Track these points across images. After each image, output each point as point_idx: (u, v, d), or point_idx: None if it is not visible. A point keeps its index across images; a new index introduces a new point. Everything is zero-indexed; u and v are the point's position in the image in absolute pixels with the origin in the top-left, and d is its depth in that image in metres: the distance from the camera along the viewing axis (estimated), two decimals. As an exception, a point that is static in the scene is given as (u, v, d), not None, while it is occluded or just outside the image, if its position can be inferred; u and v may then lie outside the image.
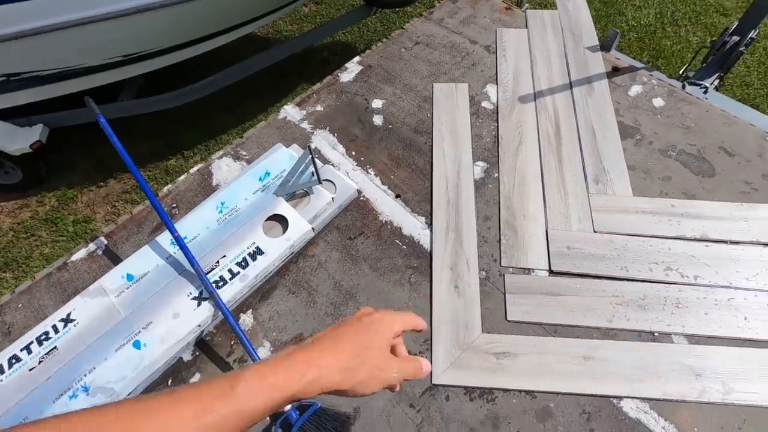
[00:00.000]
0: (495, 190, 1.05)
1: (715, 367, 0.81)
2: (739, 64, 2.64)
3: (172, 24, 1.78)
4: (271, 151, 1.07)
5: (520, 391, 0.81)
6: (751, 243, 0.94)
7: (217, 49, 2.09)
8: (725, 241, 0.95)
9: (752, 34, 1.27)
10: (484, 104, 1.20)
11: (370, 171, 1.10)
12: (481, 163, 1.09)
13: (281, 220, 0.95)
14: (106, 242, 1.00)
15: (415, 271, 0.95)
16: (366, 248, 0.98)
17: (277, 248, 0.89)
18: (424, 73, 1.28)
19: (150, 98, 2.12)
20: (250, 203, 0.95)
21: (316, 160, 1.06)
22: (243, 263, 0.87)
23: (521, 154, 1.10)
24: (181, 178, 1.10)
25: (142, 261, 0.88)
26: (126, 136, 2.41)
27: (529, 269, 0.94)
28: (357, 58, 1.32)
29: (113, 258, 0.97)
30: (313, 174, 1.00)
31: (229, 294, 0.85)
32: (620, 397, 0.79)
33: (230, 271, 0.86)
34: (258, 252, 0.88)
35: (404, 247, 0.98)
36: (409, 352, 0.85)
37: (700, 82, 1.22)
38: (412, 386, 0.82)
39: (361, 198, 1.05)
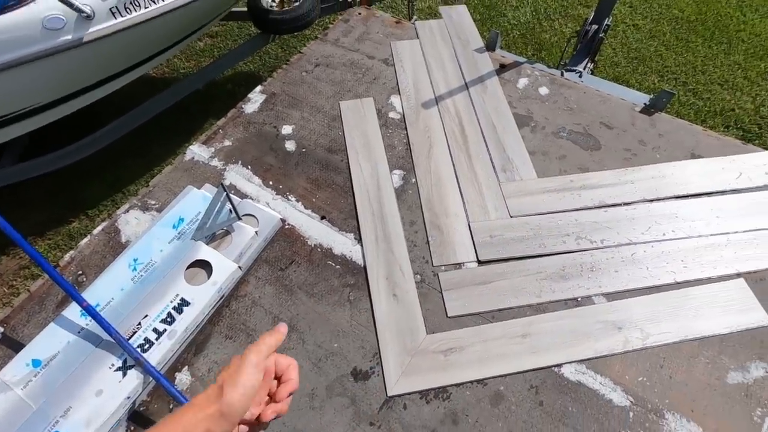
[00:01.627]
0: (415, 194, 1.09)
1: (632, 318, 0.90)
2: (606, 47, 3.00)
3: (49, 78, 1.63)
4: (182, 195, 1.01)
5: (471, 382, 0.84)
6: (640, 201, 1.06)
7: (110, 95, 1.95)
8: (619, 204, 1.06)
9: (607, 21, 1.45)
10: (391, 115, 1.24)
11: (290, 197, 1.08)
12: (398, 171, 1.13)
13: (204, 265, 0.90)
14: (2, 329, 0.88)
15: (352, 288, 0.95)
16: (299, 276, 0.97)
17: (204, 295, 0.84)
18: (329, 93, 1.29)
19: (38, 159, 1.92)
20: (167, 254, 0.89)
21: (232, 196, 1.03)
22: (169, 319, 0.81)
23: (433, 156, 1.15)
24: (84, 241, 1.01)
25: (49, 342, 0.78)
26: (18, 204, 2.15)
27: (459, 264, 0.98)
28: (259, 88, 1.31)
29: (14, 346, 0.86)
30: (231, 211, 0.96)
31: (158, 355, 0.78)
32: (560, 365, 0.85)
33: (155, 330, 0.80)
34: (184, 304, 0.83)
35: (338, 266, 0.98)
36: (361, 371, 0.85)
37: (575, 68, 1.37)
38: (369, 404, 0.82)
39: (286, 226, 1.04)
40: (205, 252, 0.89)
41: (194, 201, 0.98)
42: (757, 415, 0.79)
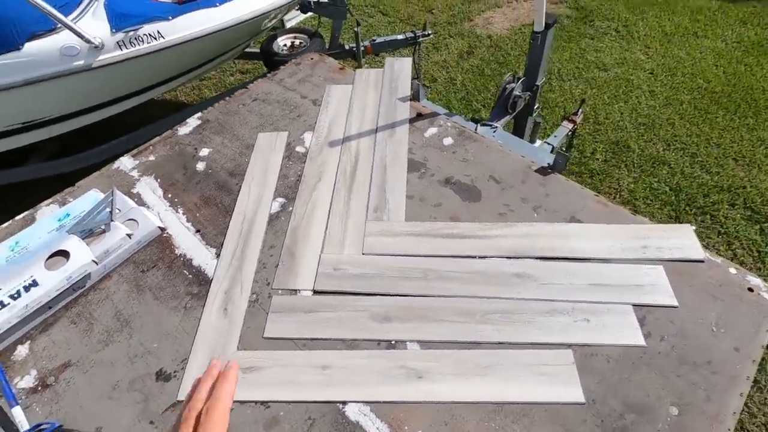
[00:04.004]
0: (287, 221, 1.16)
1: (438, 369, 0.88)
2: (613, 111, 2.93)
3: (64, 94, 1.96)
4: (82, 195, 1.18)
5: (256, 402, 0.86)
6: (499, 257, 1.05)
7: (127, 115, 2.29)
8: (474, 257, 1.05)
9: (539, 81, 1.47)
10: (298, 149, 1.34)
11: (179, 210, 1.21)
12: (280, 199, 1.21)
13: (68, 255, 1.03)
14: None
15: (193, 297, 1.03)
16: (154, 279, 1.06)
17: (52, 280, 0.97)
18: (254, 125, 1.43)
19: (49, 163, 2.27)
20: (43, 241, 1.04)
21: (128, 200, 1.18)
22: (16, 295, 0.94)
23: (318, 189, 1.23)
24: (4, 225, 1.19)
25: None
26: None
27: (296, 290, 1.02)
28: (198, 114, 1.49)
29: None
30: (110, 213, 1.10)
31: (-6, 321, 0.91)
32: (346, 402, 0.85)
33: (1, 302, 0.93)
34: (33, 284, 0.96)
35: (190, 276, 1.07)
36: (164, 373, 0.91)
37: (490, 123, 1.40)
38: (158, 404, 0.87)
39: (165, 235, 1.15)
40: (70, 243, 1.03)
41: (86, 201, 1.13)
42: (526, 495, 0.73)
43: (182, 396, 0.87)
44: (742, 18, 3.55)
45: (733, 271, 0.99)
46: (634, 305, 0.94)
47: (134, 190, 1.27)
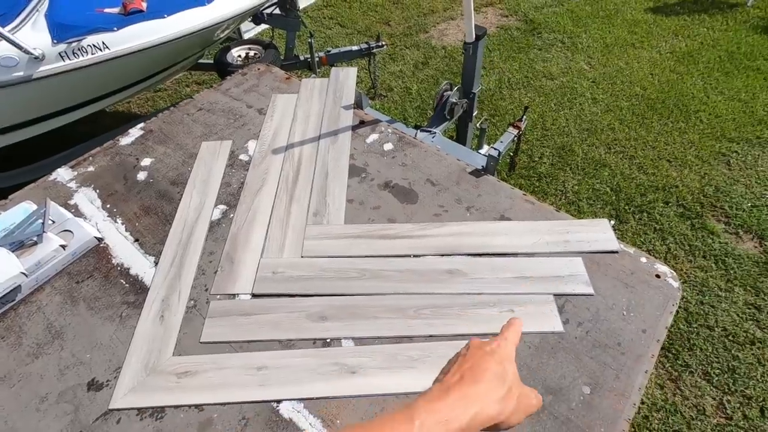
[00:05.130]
0: (227, 228, 1.17)
1: (371, 364, 0.91)
2: (559, 117, 3.09)
3: (2, 106, 1.90)
4: (12, 207, 1.15)
5: (189, 405, 0.87)
6: (431, 255, 1.10)
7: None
8: (409, 255, 1.10)
9: (474, 89, 1.56)
10: (241, 157, 1.36)
11: (118, 220, 1.20)
12: (222, 206, 1.22)
13: (-5, 269, 1.01)
14: None
15: (129, 306, 1.02)
16: (89, 290, 1.05)
17: (-25, 294, 0.94)
18: (198, 134, 1.44)
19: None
20: (-33, 255, 1.01)
21: (63, 211, 1.16)
22: (-64, 311, 0.91)
23: (259, 196, 1.25)
24: (-71, 240, 1.15)
25: None
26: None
27: (234, 294, 1.04)
28: (141, 124, 1.48)
29: None
30: (42, 224, 1.08)
31: None
32: (280, 401, 0.87)
33: None
34: (-45, 299, 0.93)
35: (127, 285, 1.06)
36: (97, 382, 0.90)
37: (429, 129, 1.46)
38: (88, 414, 0.86)
39: (102, 245, 1.14)
40: (-3, 257, 1.00)
41: (17, 212, 1.11)
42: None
43: (113, 405, 0.87)
44: (674, 30, 3.84)
45: (643, 260, 1.07)
46: (555, 294, 1.01)
47: (71, 201, 1.25)
